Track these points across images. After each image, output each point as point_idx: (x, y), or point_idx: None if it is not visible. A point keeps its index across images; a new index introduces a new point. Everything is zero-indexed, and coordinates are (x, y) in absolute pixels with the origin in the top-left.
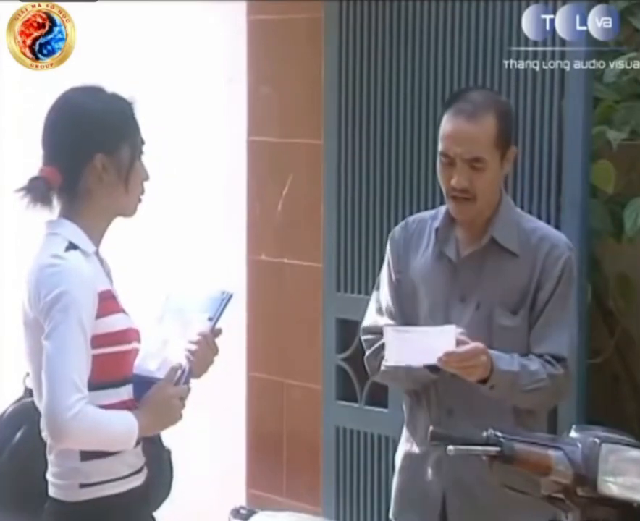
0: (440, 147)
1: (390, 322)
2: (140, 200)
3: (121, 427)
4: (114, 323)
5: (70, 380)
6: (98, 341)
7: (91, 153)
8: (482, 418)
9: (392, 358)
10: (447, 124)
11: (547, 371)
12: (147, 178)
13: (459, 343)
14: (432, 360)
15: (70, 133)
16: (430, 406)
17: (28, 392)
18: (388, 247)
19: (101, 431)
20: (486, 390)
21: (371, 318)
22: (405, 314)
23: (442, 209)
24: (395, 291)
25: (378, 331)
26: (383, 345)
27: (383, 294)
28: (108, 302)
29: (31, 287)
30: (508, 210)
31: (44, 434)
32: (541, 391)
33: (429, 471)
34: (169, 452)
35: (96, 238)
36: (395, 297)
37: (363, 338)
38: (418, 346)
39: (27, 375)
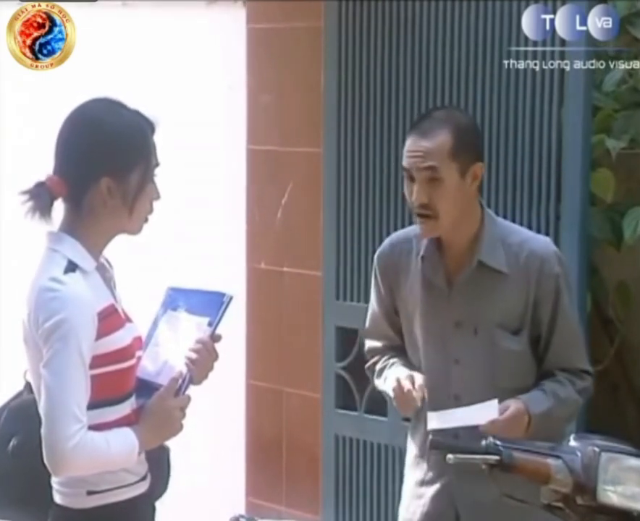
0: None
1: (385, 343)
2: (146, 220)
3: (122, 448)
4: (115, 340)
5: (69, 410)
6: (99, 360)
7: (98, 175)
8: None
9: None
10: (406, 142)
11: (577, 387)
12: (158, 198)
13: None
14: (475, 423)
15: (81, 150)
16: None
17: (28, 387)
18: (376, 268)
19: (101, 457)
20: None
21: (370, 341)
22: (401, 337)
23: None
24: (389, 316)
25: (377, 353)
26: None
27: (378, 317)
28: (109, 319)
29: (31, 308)
30: (492, 226)
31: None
32: (574, 412)
33: (440, 496)
34: (168, 450)
35: (97, 252)
36: (390, 322)
37: (367, 351)
38: (460, 418)
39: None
